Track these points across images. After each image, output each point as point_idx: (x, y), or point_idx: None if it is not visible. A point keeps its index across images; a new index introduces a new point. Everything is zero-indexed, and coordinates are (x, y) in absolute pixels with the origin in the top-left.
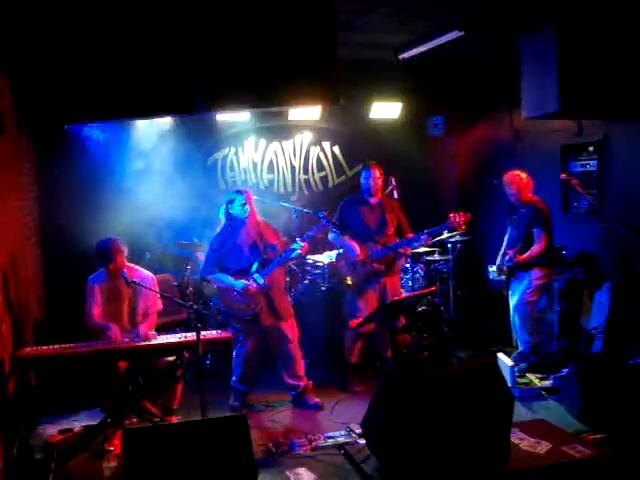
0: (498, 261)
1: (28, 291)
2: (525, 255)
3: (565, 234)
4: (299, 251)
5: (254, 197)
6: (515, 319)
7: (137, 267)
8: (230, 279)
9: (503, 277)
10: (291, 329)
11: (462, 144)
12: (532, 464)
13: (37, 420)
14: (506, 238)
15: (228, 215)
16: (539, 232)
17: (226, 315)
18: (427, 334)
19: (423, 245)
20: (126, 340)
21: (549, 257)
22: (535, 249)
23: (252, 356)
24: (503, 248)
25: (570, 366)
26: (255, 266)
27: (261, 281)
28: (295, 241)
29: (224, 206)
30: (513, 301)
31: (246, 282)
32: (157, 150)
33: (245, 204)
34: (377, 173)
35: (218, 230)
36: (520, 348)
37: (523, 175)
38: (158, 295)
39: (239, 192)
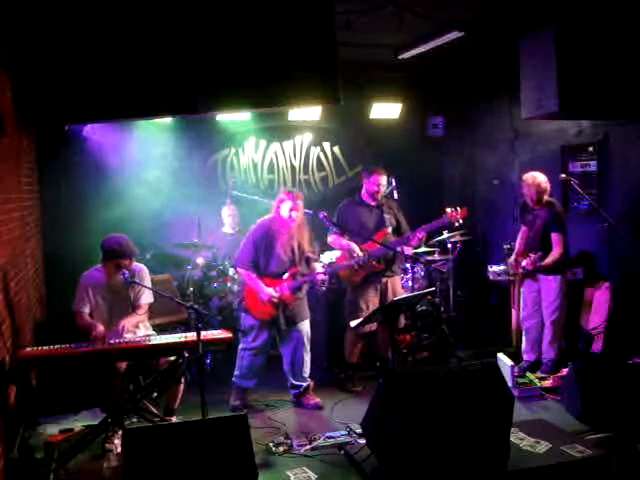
0: (512, 258)
1: (28, 291)
2: (548, 260)
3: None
4: (320, 277)
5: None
6: (548, 331)
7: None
8: (259, 284)
9: (507, 276)
10: (306, 331)
11: (462, 144)
12: (532, 464)
13: (37, 420)
14: (519, 236)
15: (277, 213)
16: (558, 236)
17: (244, 308)
18: (427, 334)
19: (421, 242)
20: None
21: (566, 261)
22: (556, 253)
23: (260, 353)
24: (517, 246)
25: (570, 366)
26: (286, 277)
27: (287, 293)
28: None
29: (275, 202)
30: (530, 310)
31: (273, 293)
32: (157, 150)
33: (293, 210)
34: (384, 179)
35: (261, 220)
36: (546, 363)
37: (543, 178)
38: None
39: (289, 196)
